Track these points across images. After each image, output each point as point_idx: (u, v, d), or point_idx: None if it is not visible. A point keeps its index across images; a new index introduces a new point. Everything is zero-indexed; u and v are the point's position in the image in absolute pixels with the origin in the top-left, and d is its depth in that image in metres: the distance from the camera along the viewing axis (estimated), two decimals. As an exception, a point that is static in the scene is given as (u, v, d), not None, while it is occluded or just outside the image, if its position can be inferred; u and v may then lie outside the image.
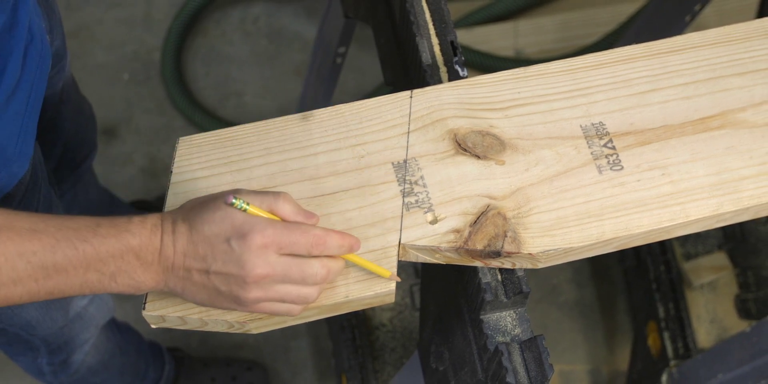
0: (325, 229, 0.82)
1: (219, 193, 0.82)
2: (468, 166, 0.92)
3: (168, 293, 0.86)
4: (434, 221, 0.89)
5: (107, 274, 0.79)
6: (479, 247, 0.87)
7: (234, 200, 0.79)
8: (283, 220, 0.81)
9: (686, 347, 1.77)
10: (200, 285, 0.81)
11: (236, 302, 0.81)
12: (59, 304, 1.31)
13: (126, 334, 1.67)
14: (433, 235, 0.89)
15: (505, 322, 0.90)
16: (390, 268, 0.87)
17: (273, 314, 0.84)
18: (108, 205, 1.86)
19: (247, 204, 0.80)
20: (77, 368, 1.51)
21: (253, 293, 0.80)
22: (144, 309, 0.86)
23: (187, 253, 0.80)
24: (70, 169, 1.56)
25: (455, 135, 0.94)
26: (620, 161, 0.92)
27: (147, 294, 0.86)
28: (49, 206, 1.17)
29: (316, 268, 0.81)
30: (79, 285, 0.79)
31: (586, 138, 0.94)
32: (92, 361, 1.53)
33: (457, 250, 0.88)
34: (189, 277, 0.81)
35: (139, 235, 0.79)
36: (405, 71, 1.11)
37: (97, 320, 1.44)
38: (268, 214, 0.81)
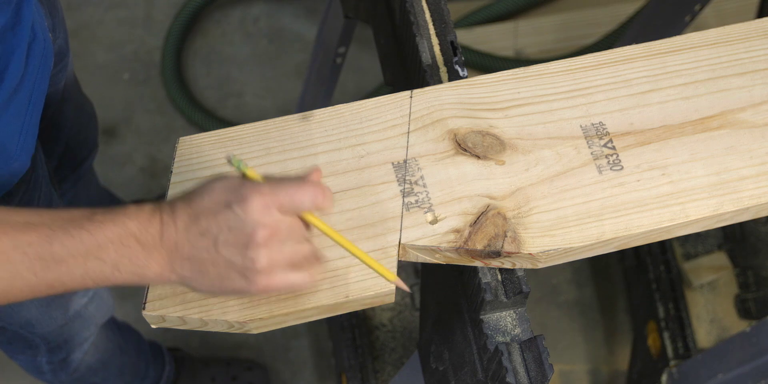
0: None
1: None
2: (468, 166, 0.92)
3: (168, 292, 0.86)
4: (434, 221, 0.89)
5: (109, 262, 0.77)
6: (479, 247, 0.88)
7: (232, 156, 0.80)
8: None
9: (686, 347, 1.77)
10: (209, 262, 0.78)
11: (248, 277, 0.78)
12: (59, 302, 1.31)
13: (126, 333, 1.67)
14: (433, 235, 0.89)
15: (505, 322, 0.90)
16: (390, 268, 0.87)
17: (288, 289, 0.80)
18: (108, 205, 1.86)
19: (246, 165, 0.80)
20: (77, 367, 1.51)
21: (265, 257, 0.77)
22: (144, 309, 0.86)
23: (190, 230, 0.77)
24: (71, 168, 1.56)
25: (455, 135, 0.94)
26: (620, 161, 0.92)
27: (147, 294, 0.86)
28: (49, 205, 1.17)
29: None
30: (80, 276, 0.77)
31: (586, 138, 0.94)
32: (92, 359, 1.53)
33: (457, 250, 0.88)
34: (196, 256, 0.78)
35: (136, 218, 0.77)
36: (405, 71, 1.11)
37: (97, 319, 1.44)
38: (263, 178, 0.81)
